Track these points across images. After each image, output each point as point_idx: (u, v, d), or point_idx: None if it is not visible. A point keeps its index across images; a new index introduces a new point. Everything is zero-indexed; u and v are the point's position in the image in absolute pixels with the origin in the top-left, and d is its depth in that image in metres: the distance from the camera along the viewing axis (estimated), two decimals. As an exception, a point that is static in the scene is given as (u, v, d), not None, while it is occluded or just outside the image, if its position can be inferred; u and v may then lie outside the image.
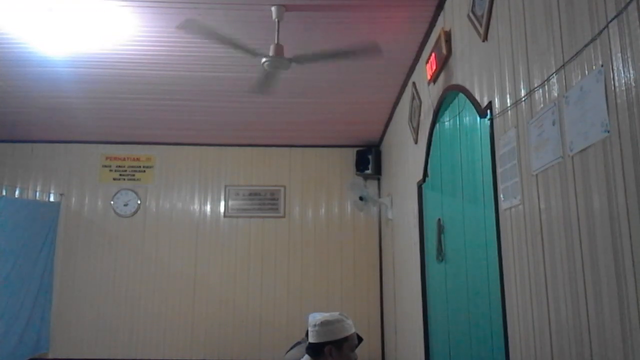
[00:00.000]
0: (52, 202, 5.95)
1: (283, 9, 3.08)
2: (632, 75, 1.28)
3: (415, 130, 3.85)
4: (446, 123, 3.18)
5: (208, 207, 6.10)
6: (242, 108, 4.94)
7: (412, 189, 3.99)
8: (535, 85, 1.84)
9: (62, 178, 6.05)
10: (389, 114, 5.13)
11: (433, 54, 3.20)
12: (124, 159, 6.15)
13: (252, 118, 5.25)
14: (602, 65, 1.41)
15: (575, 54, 1.55)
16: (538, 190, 1.82)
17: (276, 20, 3.11)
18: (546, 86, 1.76)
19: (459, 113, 2.93)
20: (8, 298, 5.12)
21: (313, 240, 6.06)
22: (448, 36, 2.94)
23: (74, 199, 6.02)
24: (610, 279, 1.36)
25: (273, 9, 3.07)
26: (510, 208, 2.07)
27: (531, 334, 1.88)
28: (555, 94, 1.69)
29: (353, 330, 2.26)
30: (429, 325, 3.54)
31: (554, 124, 1.68)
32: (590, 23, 1.47)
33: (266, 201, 6.13)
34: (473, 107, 2.58)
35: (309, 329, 2.28)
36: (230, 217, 6.08)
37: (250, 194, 6.13)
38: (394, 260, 5.04)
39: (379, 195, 5.98)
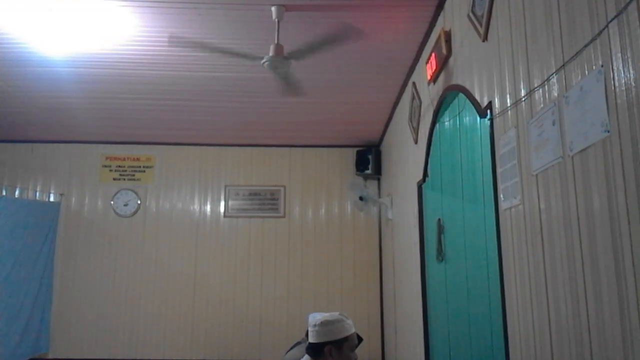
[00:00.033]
0: (52, 202, 5.95)
1: (283, 9, 3.08)
2: (632, 75, 1.28)
3: (415, 130, 3.85)
4: (446, 123, 3.18)
5: (208, 207, 6.10)
6: (242, 108, 4.94)
7: (412, 189, 3.98)
8: (535, 85, 1.84)
9: (62, 178, 6.05)
10: (389, 114, 5.13)
11: (433, 54, 3.20)
12: (124, 159, 6.15)
13: (252, 118, 5.25)
14: (602, 65, 1.41)
15: (575, 54, 1.55)
16: (538, 190, 1.82)
17: (276, 20, 3.11)
18: (546, 86, 1.76)
19: (459, 113, 2.93)
20: (8, 298, 5.12)
21: (313, 240, 6.06)
22: (448, 36, 2.94)
23: (74, 199, 6.02)
24: (610, 279, 1.36)
25: (273, 9, 3.07)
26: (510, 208, 2.07)
27: (531, 334, 1.87)
28: (555, 94, 1.69)
29: (353, 330, 2.26)
30: (429, 325, 3.54)
31: (554, 124, 1.68)
32: (590, 23, 1.47)
33: (266, 201, 6.12)
34: (473, 107, 2.58)
35: (309, 329, 2.28)
36: (230, 217, 6.08)
37: (250, 194, 6.13)
38: (394, 260, 5.04)
39: (379, 195, 5.97)
